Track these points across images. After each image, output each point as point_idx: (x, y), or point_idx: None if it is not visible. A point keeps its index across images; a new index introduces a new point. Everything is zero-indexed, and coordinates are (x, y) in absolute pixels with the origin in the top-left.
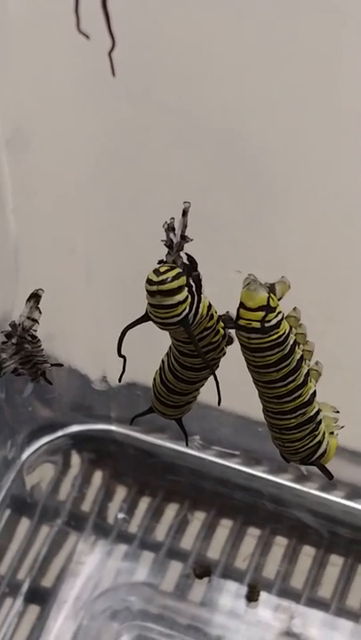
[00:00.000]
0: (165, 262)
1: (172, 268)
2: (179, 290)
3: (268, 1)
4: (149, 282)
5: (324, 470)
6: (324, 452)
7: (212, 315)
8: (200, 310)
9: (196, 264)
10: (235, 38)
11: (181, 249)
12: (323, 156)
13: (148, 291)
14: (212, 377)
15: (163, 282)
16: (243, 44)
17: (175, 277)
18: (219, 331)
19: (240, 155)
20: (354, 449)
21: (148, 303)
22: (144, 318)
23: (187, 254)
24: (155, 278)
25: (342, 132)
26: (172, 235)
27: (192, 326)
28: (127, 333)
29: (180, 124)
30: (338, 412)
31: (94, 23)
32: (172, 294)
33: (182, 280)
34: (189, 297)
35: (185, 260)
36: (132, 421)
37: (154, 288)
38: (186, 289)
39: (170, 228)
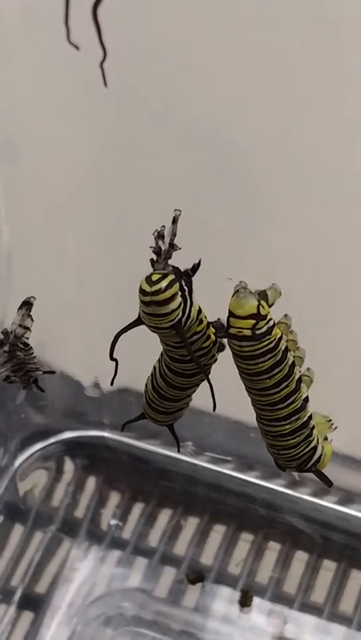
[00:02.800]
0: (156, 269)
1: (164, 276)
2: (172, 298)
3: (257, 10)
4: (143, 292)
5: (323, 477)
6: (320, 457)
7: (201, 319)
8: (191, 315)
9: (194, 273)
10: (225, 48)
11: (169, 257)
12: (313, 164)
13: (142, 301)
14: (203, 383)
15: (156, 292)
16: (233, 55)
17: (168, 286)
18: (209, 336)
19: (231, 163)
20: (346, 454)
21: (142, 310)
22: (137, 322)
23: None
24: (148, 288)
25: (332, 140)
26: (161, 242)
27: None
28: (119, 338)
29: (170, 134)
30: (330, 420)
31: (86, 34)
32: (167, 303)
33: (175, 288)
34: (182, 302)
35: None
36: (124, 427)
37: (148, 299)
38: (179, 296)
39: (160, 236)
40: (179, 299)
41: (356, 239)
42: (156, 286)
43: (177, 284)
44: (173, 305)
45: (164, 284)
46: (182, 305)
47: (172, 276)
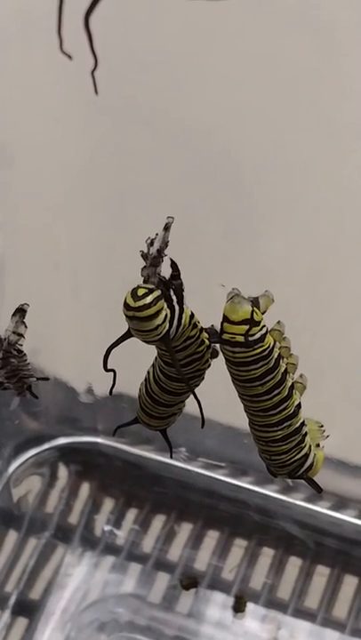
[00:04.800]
0: (144, 281)
1: (150, 291)
2: (156, 315)
3: (251, 16)
4: (127, 306)
5: (313, 484)
6: (311, 464)
7: (195, 324)
8: (183, 321)
9: (179, 272)
10: (217, 55)
11: (157, 264)
12: (306, 171)
13: (125, 315)
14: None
15: (140, 308)
16: (225, 62)
17: (153, 303)
18: (203, 341)
19: (224, 170)
20: (340, 460)
21: (128, 324)
22: (127, 335)
23: (171, 260)
24: (132, 304)
25: (326, 147)
26: (152, 249)
27: (175, 336)
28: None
29: (163, 140)
30: (322, 426)
31: (78, 40)
32: (150, 319)
33: (160, 304)
34: (168, 314)
35: (167, 268)
36: (116, 432)
37: (131, 314)
38: (164, 311)
39: (152, 243)
40: (164, 314)
41: (350, 246)
42: (139, 302)
43: (162, 301)
44: (158, 321)
45: (148, 299)
46: (168, 318)
47: (157, 292)
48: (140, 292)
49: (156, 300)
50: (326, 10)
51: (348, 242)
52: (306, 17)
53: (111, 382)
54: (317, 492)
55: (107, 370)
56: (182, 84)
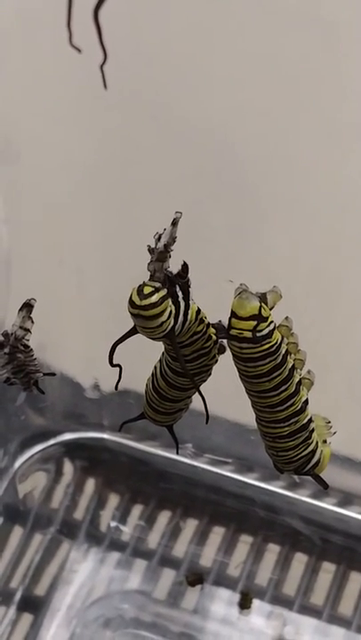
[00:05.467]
0: (151, 275)
1: (156, 290)
2: (161, 314)
3: (256, 14)
4: (132, 304)
5: (319, 480)
6: (318, 461)
7: (201, 319)
8: (188, 317)
9: (187, 273)
10: (224, 52)
11: (163, 259)
12: (312, 168)
13: (130, 312)
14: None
15: (145, 307)
16: (232, 59)
17: (158, 302)
18: (210, 336)
19: (230, 166)
20: (346, 456)
21: (133, 320)
22: (133, 331)
23: (183, 262)
24: (137, 302)
25: (330, 144)
26: (159, 244)
27: (181, 332)
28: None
29: (170, 136)
30: (329, 422)
31: (86, 36)
32: (155, 318)
33: (165, 304)
34: (173, 311)
35: (173, 269)
36: (122, 427)
37: (136, 312)
38: (169, 308)
39: (160, 238)
40: (168, 311)
41: (356, 242)
42: (145, 301)
43: (168, 300)
44: (163, 318)
45: (154, 298)
46: (173, 314)
47: (163, 291)
48: (147, 290)
49: (162, 299)
50: (328, 9)
51: (354, 238)
52: (308, 15)
53: (117, 378)
54: (323, 488)
55: (112, 365)
56: (188, 81)
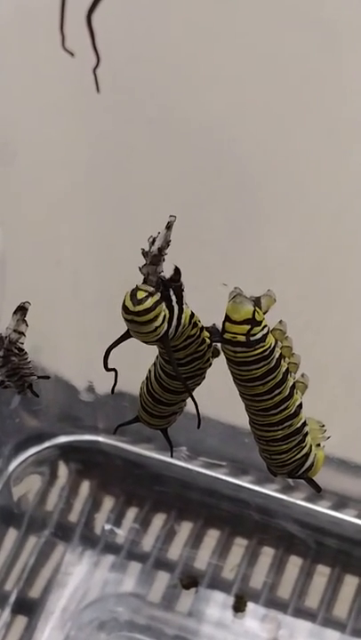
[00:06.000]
0: (144, 279)
1: (149, 295)
2: (155, 319)
3: (253, 14)
4: (125, 309)
5: (313, 483)
6: (312, 464)
7: (195, 323)
8: (182, 320)
9: (180, 277)
10: (220, 53)
11: (157, 263)
12: (309, 170)
13: (124, 318)
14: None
15: (138, 313)
16: (228, 59)
17: (152, 308)
18: (204, 340)
19: (226, 168)
20: (341, 458)
21: (126, 325)
22: (126, 336)
23: (175, 267)
24: (131, 307)
25: (329, 145)
26: (153, 247)
27: (175, 335)
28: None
29: (166, 138)
30: (323, 425)
31: (83, 37)
32: (149, 323)
33: (159, 309)
34: (167, 315)
35: (167, 273)
36: (116, 430)
37: (129, 317)
38: (163, 312)
39: (154, 241)
40: (162, 315)
41: (352, 245)
42: (139, 306)
43: (161, 304)
44: (156, 323)
45: (147, 303)
46: (166, 319)
47: (157, 296)
48: (140, 294)
49: (156, 304)
50: (328, 8)
51: (350, 241)
52: (306, 14)
53: (112, 381)
54: (317, 491)
55: (107, 370)
56: (184, 82)
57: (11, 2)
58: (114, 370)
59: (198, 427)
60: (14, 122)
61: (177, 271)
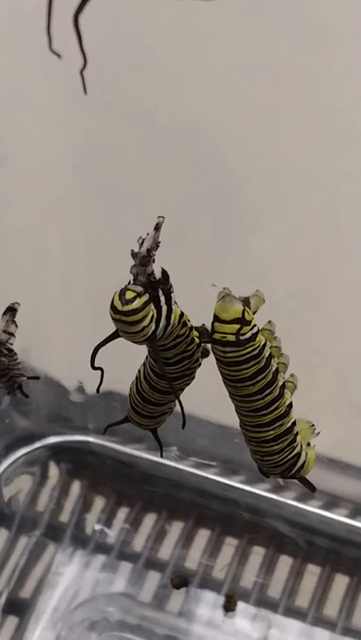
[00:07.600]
0: (133, 279)
1: (138, 295)
2: (143, 319)
3: (243, 17)
4: (113, 309)
5: (306, 483)
6: (303, 464)
7: (184, 322)
8: (171, 320)
9: (168, 279)
10: (207, 56)
11: (146, 264)
12: (297, 171)
13: (112, 317)
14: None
15: (126, 313)
16: (214, 62)
17: (140, 308)
18: (193, 339)
19: (214, 169)
20: (331, 458)
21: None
22: (114, 335)
23: (162, 270)
24: (119, 307)
25: (316, 147)
26: (142, 248)
27: (163, 335)
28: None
29: (154, 140)
30: (313, 425)
31: (68, 41)
32: (137, 323)
33: (148, 309)
34: (155, 315)
35: (157, 273)
36: (106, 430)
37: (117, 317)
38: (151, 312)
39: (143, 242)
40: (150, 316)
41: (340, 246)
42: (127, 306)
43: (150, 306)
44: (144, 323)
45: (135, 304)
46: (154, 319)
47: (145, 296)
48: (129, 294)
49: (144, 304)
50: (320, 8)
51: (338, 242)
52: (299, 16)
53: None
54: (311, 491)
55: (94, 368)
56: (172, 84)
57: None
58: (100, 369)
59: (183, 427)
60: (3, 124)
61: (165, 274)
